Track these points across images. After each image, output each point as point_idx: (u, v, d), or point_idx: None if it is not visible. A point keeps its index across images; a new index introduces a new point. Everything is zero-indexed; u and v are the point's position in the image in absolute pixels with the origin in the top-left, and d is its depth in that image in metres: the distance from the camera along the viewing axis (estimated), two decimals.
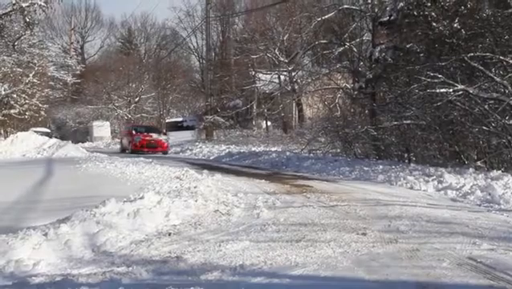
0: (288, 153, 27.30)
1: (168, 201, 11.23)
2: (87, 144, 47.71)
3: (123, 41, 79.14)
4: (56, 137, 41.06)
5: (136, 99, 58.02)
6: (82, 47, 78.82)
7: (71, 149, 29.91)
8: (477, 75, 17.67)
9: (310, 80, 35.09)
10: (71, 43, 73.39)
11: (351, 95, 29.08)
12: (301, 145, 28.48)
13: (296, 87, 37.16)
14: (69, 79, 66.33)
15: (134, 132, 37.66)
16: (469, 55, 17.06)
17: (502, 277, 6.24)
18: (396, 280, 6.41)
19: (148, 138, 36.53)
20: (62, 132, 57.73)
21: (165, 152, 36.13)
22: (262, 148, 33.10)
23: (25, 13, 25.80)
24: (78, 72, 67.50)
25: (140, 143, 36.06)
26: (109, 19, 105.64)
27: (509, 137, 16.98)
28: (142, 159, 24.05)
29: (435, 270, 6.68)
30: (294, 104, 40.17)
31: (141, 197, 10.99)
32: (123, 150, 38.84)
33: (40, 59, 37.66)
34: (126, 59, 64.58)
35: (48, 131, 47.34)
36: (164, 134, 39.35)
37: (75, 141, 43.50)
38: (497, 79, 16.71)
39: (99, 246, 8.43)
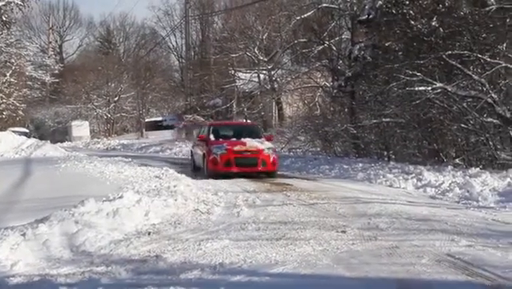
0: None
1: (148, 200, 11.18)
2: (65, 144, 47.29)
3: (101, 40, 78.67)
4: (35, 137, 40.72)
5: (116, 99, 57.66)
6: (60, 47, 78.23)
7: (49, 149, 29.64)
8: (456, 73, 17.79)
9: (289, 79, 35.13)
10: (49, 43, 72.79)
11: (331, 93, 29.13)
12: (281, 144, 28.49)
13: (276, 85, 37.16)
14: (47, 78, 65.72)
15: (212, 136, 19.96)
16: (447, 53, 17.16)
17: (480, 273, 6.28)
18: (376, 277, 6.42)
19: (238, 148, 18.94)
20: (40, 132, 57.25)
21: (273, 173, 19.07)
22: None
23: (1, 12, 25.57)
24: (56, 72, 66.87)
25: (223, 158, 18.74)
26: (87, 18, 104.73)
27: (487, 135, 17.11)
28: (121, 158, 23.91)
29: (414, 266, 6.70)
30: (273, 103, 40.16)
31: (120, 197, 10.92)
32: (195, 168, 21.53)
33: (18, 59, 37.30)
34: (105, 58, 64.12)
35: (26, 131, 46.91)
36: (268, 139, 20.86)
37: (54, 141, 43.11)
38: (475, 77, 16.82)
39: (77, 245, 8.37)
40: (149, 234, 9.35)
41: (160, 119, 58.59)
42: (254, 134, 20.16)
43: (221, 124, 24.11)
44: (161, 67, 67.56)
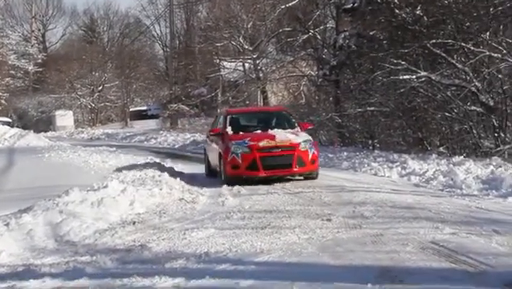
0: None
1: (133, 189, 11.16)
2: (49, 134, 47.02)
3: (85, 29, 78.03)
4: (18, 127, 40.37)
5: (100, 88, 57.36)
6: (43, 36, 77.45)
7: (33, 139, 29.43)
8: (440, 62, 17.85)
9: (274, 68, 35.04)
10: (32, 31, 72.10)
11: (316, 82, 29.15)
12: None
13: (261, 74, 37.06)
14: (30, 67, 65.24)
15: (230, 129, 15.03)
16: (431, 42, 17.22)
17: (464, 260, 6.32)
18: (361, 265, 6.44)
19: (265, 144, 14.02)
20: (23, 122, 56.79)
21: (313, 174, 14.39)
22: None
23: None
24: (39, 61, 66.37)
25: (246, 159, 13.87)
26: (71, 7, 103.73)
27: (471, 123, 17.20)
28: (105, 148, 23.83)
29: (399, 254, 6.73)
30: (259, 92, 40.05)
31: (105, 186, 10.90)
32: (211, 172, 16.41)
33: (0, 47, 36.95)
34: (89, 47, 63.70)
35: (9, 120, 46.57)
36: (304, 127, 15.65)
37: (38, 131, 42.85)
38: (459, 66, 16.90)
39: (62, 235, 8.34)
40: (134, 223, 9.34)
41: (144, 108, 58.39)
42: (285, 123, 15.24)
43: (242, 112, 18.43)
44: (146, 56, 67.19)
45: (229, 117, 15.39)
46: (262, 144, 13.64)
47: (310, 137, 14.55)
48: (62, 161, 17.91)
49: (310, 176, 14.03)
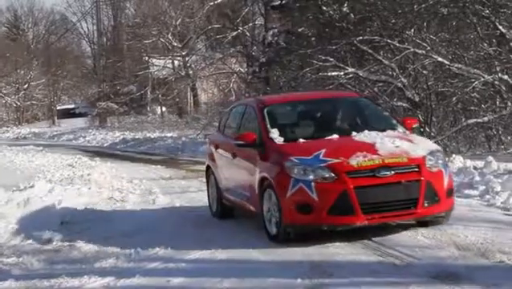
0: (184, 139, 27.17)
1: (61, 189, 10.98)
2: None
3: (9, 26, 75.97)
4: None
5: (25, 86, 56.07)
6: None
7: None
8: (367, 59, 18.14)
9: (204, 65, 34.98)
10: None
11: (246, 79, 29.23)
12: (197, 130, 28.39)
13: (190, 72, 36.95)
14: None
15: (278, 134, 7.83)
16: (358, 39, 17.47)
17: (391, 253, 6.45)
18: (291, 260, 6.50)
19: (361, 160, 7.01)
20: None
21: (447, 215, 7.39)
22: (157, 134, 32.78)
23: None
24: None
25: (326, 190, 6.93)
26: None
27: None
28: (32, 147, 23.32)
29: (328, 249, 6.81)
30: (188, 89, 39.94)
31: (32, 186, 10.69)
32: (224, 209, 9.20)
33: None
34: (13, 44, 62.26)
35: None
36: (410, 125, 8.23)
37: None
38: (386, 62, 17.21)
39: None
40: (62, 223, 9.18)
41: (72, 106, 57.43)
42: (374, 119, 8.54)
43: (291, 101, 9.59)
44: (73, 54, 66.00)
45: (267, 112, 8.34)
46: (355, 161, 7.02)
47: (435, 145, 8.27)
48: None
49: (438, 219, 7.44)
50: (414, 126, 8.51)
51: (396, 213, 7.10)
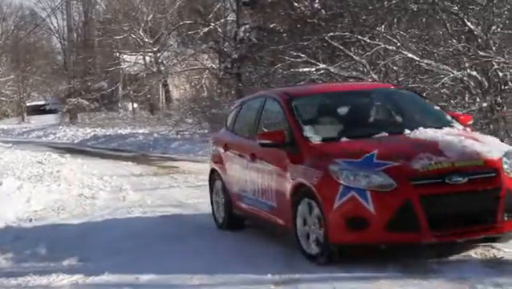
0: (155, 135, 27.09)
1: (30, 186, 10.90)
2: None
3: None
4: None
5: None
6: None
7: None
8: (338, 55, 18.22)
9: (176, 61, 34.91)
10: None
11: (218, 75, 29.23)
12: (168, 127, 28.30)
13: (162, 68, 36.84)
14: None
15: (313, 132, 6.55)
16: (329, 35, 17.53)
17: None
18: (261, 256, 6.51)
19: (427, 163, 5.75)
20: None
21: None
22: (128, 131, 32.58)
23: None
24: None
25: (385, 200, 5.68)
26: None
27: None
28: (0, 144, 23.05)
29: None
30: (160, 86, 39.80)
31: (0, 183, 10.57)
32: (233, 220, 7.92)
33: None
34: None
35: None
36: (465, 119, 7.22)
37: None
38: (357, 58, 17.29)
39: None
40: (31, 220, 9.11)
41: (42, 103, 56.93)
42: (423, 114, 7.33)
43: (324, 92, 8.00)
44: (43, 50, 65.34)
45: (296, 106, 6.99)
46: (419, 164, 5.80)
47: (507, 145, 6.85)
48: None
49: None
50: (469, 123, 7.30)
51: (470, 229, 5.79)
